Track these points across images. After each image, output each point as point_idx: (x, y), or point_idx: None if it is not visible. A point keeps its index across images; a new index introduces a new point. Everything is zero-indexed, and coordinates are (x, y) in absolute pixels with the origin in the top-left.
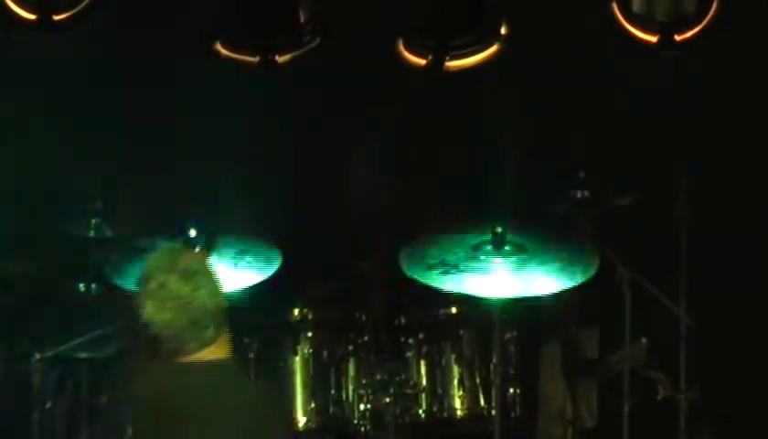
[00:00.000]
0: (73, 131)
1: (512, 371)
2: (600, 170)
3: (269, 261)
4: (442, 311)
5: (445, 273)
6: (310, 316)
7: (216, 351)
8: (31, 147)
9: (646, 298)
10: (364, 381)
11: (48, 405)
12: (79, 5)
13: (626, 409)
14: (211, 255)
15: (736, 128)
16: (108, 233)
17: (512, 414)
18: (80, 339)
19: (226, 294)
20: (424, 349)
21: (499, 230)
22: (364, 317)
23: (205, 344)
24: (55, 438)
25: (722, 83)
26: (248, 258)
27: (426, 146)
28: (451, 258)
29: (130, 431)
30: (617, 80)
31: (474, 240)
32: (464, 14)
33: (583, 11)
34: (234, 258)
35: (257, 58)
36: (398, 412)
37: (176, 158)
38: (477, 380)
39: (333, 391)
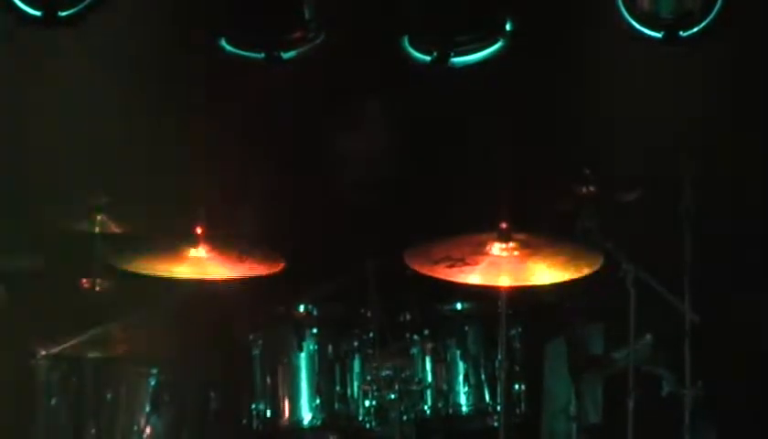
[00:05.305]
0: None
1: (517, 368)
2: (604, 167)
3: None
4: (447, 307)
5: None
6: (315, 313)
7: None
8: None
9: (651, 295)
10: (369, 378)
11: (53, 402)
12: (83, 1)
13: (631, 405)
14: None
15: (737, 125)
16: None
17: (517, 410)
18: (85, 337)
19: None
20: (429, 346)
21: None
22: (369, 314)
23: None
24: (59, 435)
25: (724, 80)
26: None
27: (429, 145)
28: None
29: (135, 427)
30: (621, 76)
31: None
32: (468, 10)
33: (588, 8)
34: (239, 256)
35: (262, 55)
36: (403, 408)
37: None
38: (482, 377)
39: (338, 388)
